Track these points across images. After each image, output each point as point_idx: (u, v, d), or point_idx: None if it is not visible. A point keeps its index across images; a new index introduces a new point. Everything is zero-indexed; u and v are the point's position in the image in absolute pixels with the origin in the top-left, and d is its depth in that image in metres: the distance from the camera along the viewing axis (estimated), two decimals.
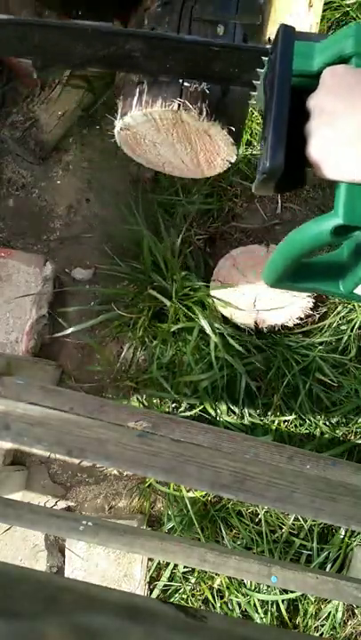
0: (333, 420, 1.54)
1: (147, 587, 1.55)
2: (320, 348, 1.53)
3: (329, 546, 1.49)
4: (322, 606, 1.49)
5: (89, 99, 1.70)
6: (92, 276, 1.69)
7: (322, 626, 1.49)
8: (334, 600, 1.47)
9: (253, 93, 0.70)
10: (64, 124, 1.69)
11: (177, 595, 1.53)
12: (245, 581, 1.49)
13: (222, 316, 1.54)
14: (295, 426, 1.54)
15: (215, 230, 1.65)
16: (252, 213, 1.66)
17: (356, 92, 0.55)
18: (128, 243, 1.63)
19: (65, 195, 1.73)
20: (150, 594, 1.55)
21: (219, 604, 1.51)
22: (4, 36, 1.04)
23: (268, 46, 0.69)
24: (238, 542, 1.51)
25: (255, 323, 1.52)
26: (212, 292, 1.53)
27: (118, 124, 1.28)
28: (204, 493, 1.52)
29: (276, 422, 1.54)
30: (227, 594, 1.51)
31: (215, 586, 1.52)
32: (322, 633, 1.48)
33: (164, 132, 1.28)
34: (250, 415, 1.53)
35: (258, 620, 1.47)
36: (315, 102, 0.58)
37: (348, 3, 1.71)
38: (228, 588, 1.50)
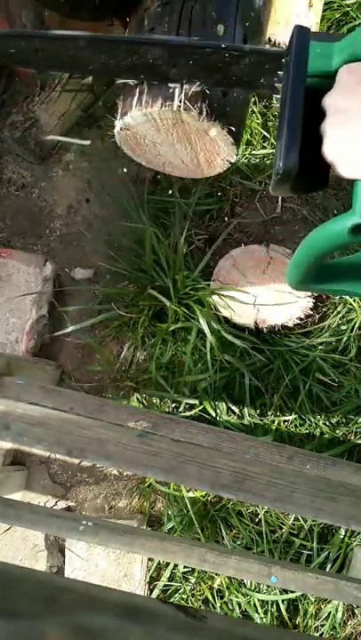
0: (333, 420, 1.54)
1: (147, 587, 1.55)
2: (320, 347, 1.53)
3: (329, 546, 1.49)
4: (322, 606, 1.49)
5: (89, 99, 1.70)
6: (92, 275, 1.69)
7: (322, 626, 1.49)
8: (334, 600, 1.47)
9: (276, 96, 0.70)
10: (64, 124, 1.69)
11: (177, 595, 1.53)
12: (245, 581, 1.49)
13: (222, 316, 1.54)
14: (295, 426, 1.54)
15: (215, 230, 1.65)
16: (252, 213, 1.66)
17: None
18: (129, 242, 1.63)
19: (65, 195, 1.73)
20: (150, 594, 1.55)
21: (219, 604, 1.51)
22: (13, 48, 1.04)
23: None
24: (238, 542, 1.51)
25: (255, 323, 1.52)
26: (212, 293, 1.53)
27: (118, 123, 1.28)
28: (204, 493, 1.52)
29: (276, 422, 1.54)
30: (227, 594, 1.51)
31: (215, 586, 1.52)
32: (322, 633, 1.48)
33: (164, 132, 1.28)
34: (250, 415, 1.53)
35: (258, 620, 1.47)
36: (330, 101, 0.58)
37: (348, 3, 1.71)
38: (228, 588, 1.50)
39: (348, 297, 1.56)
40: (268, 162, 1.65)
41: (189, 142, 1.31)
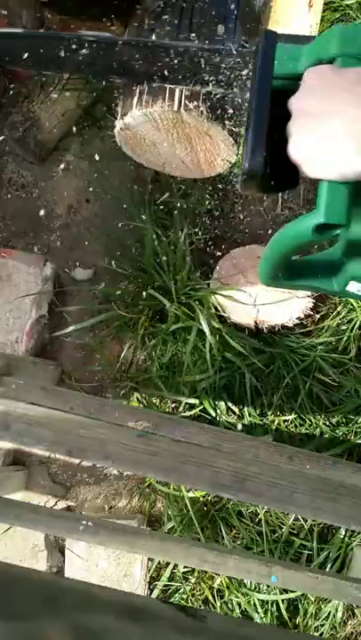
0: (333, 420, 1.54)
1: (147, 587, 1.55)
2: (320, 347, 1.53)
3: (329, 546, 1.49)
4: (322, 606, 1.49)
5: (89, 99, 1.70)
6: (92, 275, 1.69)
7: (322, 626, 1.49)
8: (334, 600, 1.47)
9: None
10: (64, 124, 1.69)
11: (177, 595, 1.53)
12: (245, 581, 1.49)
13: (222, 316, 1.54)
14: (295, 426, 1.54)
15: (215, 230, 1.65)
16: (252, 213, 1.66)
17: (332, 92, 0.55)
18: (129, 242, 1.63)
19: (65, 195, 1.73)
20: (150, 594, 1.55)
21: (219, 604, 1.51)
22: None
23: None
24: (238, 542, 1.51)
25: (255, 323, 1.52)
26: (212, 293, 1.53)
27: (118, 123, 1.28)
28: (204, 493, 1.52)
29: (276, 422, 1.54)
30: (227, 594, 1.51)
31: (215, 586, 1.52)
32: (322, 633, 1.48)
33: (165, 132, 1.28)
34: (250, 415, 1.53)
35: (258, 620, 1.47)
36: (295, 102, 0.59)
37: (348, 3, 1.71)
38: (228, 587, 1.50)
39: (349, 298, 1.56)
40: None
41: (190, 142, 1.31)
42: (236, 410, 1.54)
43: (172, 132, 1.28)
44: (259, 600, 1.48)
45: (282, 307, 1.52)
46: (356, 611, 1.51)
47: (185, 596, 1.53)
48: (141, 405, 1.58)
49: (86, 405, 1.17)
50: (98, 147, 1.73)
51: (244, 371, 1.51)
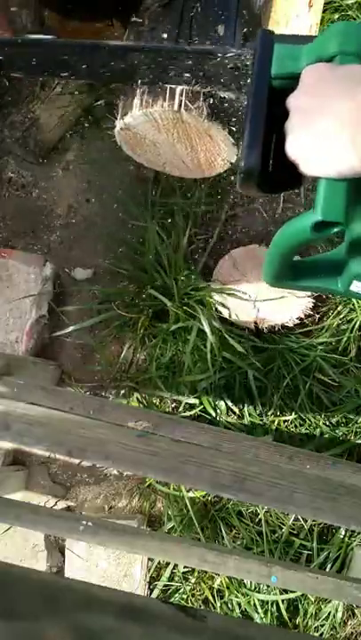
0: (333, 420, 1.54)
1: (147, 587, 1.55)
2: (320, 347, 1.53)
3: (329, 546, 1.49)
4: (322, 606, 1.49)
5: (89, 99, 1.70)
6: (92, 275, 1.69)
7: (322, 626, 1.48)
8: (334, 600, 1.47)
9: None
10: (64, 124, 1.69)
11: (177, 595, 1.53)
12: (245, 581, 1.49)
13: (222, 316, 1.54)
14: (295, 426, 1.54)
15: (215, 230, 1.65)
16: (252, 213, 1.66)
17: (328, 89, 0.55)
18: (129, 242, 1.63)
19: (65, 195, 1.73)
20: (150, 594, 1.55)
21: (219, 604, 1.51)
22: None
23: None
24: (238, 542, 1.51)
25: (255, 322, 1.52)
26: (213, 292, 1.53)
27: (119, 123, 1.28)
28: (204, 493, 1.52)
29: (276, 422, 1.53)
30: (227, 594, 1.51)
31: (215, 586, 1.52)
32: (322, 633, 1.48)
33: (165, 132, 1.28)
34: (250, 415, 1.53)
35: (258, 620, 1.47)
36: (292, 101, 0.59)
37: (348, 3, 1.71)
38: (228, 587, 1.50)
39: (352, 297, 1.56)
40: None
41: (190, 142, 1.31)
42: (236, 410, 1.54)
43: (172, 132, 1.28)
44: (259, 600, 1.48)
45: (282, 306, 1.52)
46: (356, 611, 1.51)
47: (185, 596, 1.53)
48: (141, 405, 1.58)
49: (86, 405, 1.17)
50: (98, 147, 1.73)
51: (245, 370, 1.51)
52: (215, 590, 1.52)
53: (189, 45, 1.12)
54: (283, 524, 1.51)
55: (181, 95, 1.16)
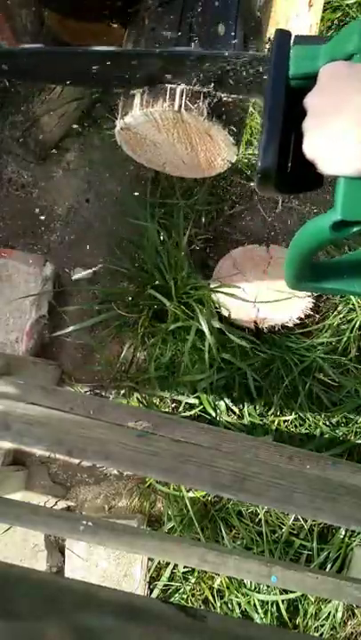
0: (333, 420, 1.54)
1: (147, 587, 1.55)
2: (320, 348, 1.53)
3: (329, 546, 1.49)
4: (322, 606, 1.49)
5: (89, 99, 1.70)
6: (92, 275, 1.69)
7: (322, 626, 1.48)
8: (334, 600, 1.47)
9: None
10: (64, 124, 1.69)
11: (177, 595, 1.53)
12: (245, 581, 1.49)
13: (222, 315, 1.54)
14: (295, 426, 1.54)
15: (215, 230, 1.65)
16: (252, 213, 1.66)
17: (346, 87, 0.55)
18: (129, 242, 1.63)
19: (65, 195, 1.73)
20: (150, 594, 1.55)
21: (219, 604, 1.51)
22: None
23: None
24: (238, 542, 1.51)
25: (255, 322, 1.52)
26: (212, 293, 1.53)
27: (119, 123, 1.28)
28: (204, 493, 1.51)
29: (276, 422, 1.53)
30: (227, 594, 1.51)
31: (215, 586, 1.52)
32: (322, 633, 1.48)
33: (165, 132, 1.28)
34: (250, 415, 1.53)
35: (258, 620, 1.47)
36: (309, 100, 0.59)
37: (348, 3, 1.71)
38: (228, 588, 1.50)
39: (351, 297, 1.56)
40: None
41: (190, 142, 1.31)
42: (236, 410, 1.54)
43: (172, 132, 1.28)
44: (259, 600, 1.48)
45: (282, 306, 1.52)
46: (356, 611, 1.51)
47: (185, 596, 1.53)
48: (141, 405, 1.58)
49: (86, 405, 1.17)
50: (98, 147, 1.73)
51: (245, 370, 1.51)
52: (215, 590, 1.52)
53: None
54: (283, 524, 1.51)
55: (182, 95, 1.16)
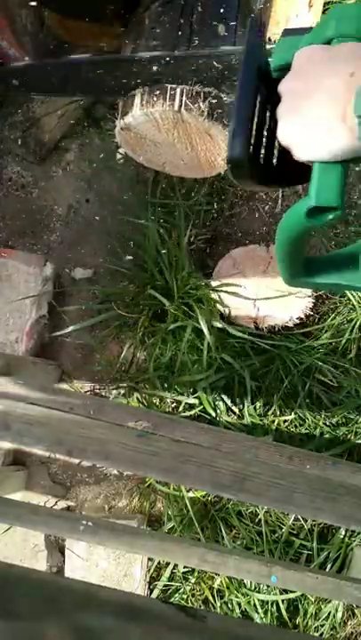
0: (333, 420, 1.54)
1: (147, 587, 1.55)
2: (320, 348, 1.53)
3: (329, 546, 1.49)
4: (322, 606, 1.49)
5: (89, 98, 1.70)
6: (91, 275, 1.69)
7: (322, 626, 1.48)
8: (334, 600, 1.47)
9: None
10: (64, 123, 1.69)
11: (177, 595, 1.53)
12: (245, 581, 1.49)
13: (222, 315, 1.54)
14: (295, 426, 1.54)
15: (215, 230, 1.65)
16: (252, 213, 1.66)
17: (319, 69, 0.54)
18: (129, 242, 1.63)
19: (65, 195, 1.73)
20: (150, 594, 1.55)
21: (219, 604, 1.51)
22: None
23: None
24: (238, 542, 1.51)
25: (255, 322, 1.52)
26: (212, 292, 1.53)
27: (119, 123, 1.28)
28: (204, 493, 1.51)
29: (276, 422, 1.53)
30: (227, 594, 1.51)
31: (215, 586, 1.52)
32: (322, 633, 1.48)
33: (165, 132, 1.28)
34: (250, 415, 1.53)
35: (258, 620, 1.47)
36: (283, 86, 0.57)
37: (348, 3, 1.71)
38: (228, 588, 1.50)
39: (351, 297, 1.56)
40: None
41: (190, 142, 1.31)
42: (236, 410, 1.54)
43: (172, 132, 1.28)
44: (259, 600, 1.48)
45: (282, 306, 1.52)
46: (356, 611, 1.51)
47: (185, 596, 1.53)
48: (141, 405, 1.58)
49: (86, 405, 1.17)
50: (98, 146, 1.73)
51: (244, 371, 1.50)
52: (215, 590, 1.52)
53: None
54: (283, 524, 1.51)
55: (182, 95, 1.16)
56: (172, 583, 1.54)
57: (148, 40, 1.19)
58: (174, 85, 1.15)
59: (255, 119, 0.58)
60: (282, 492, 1.09)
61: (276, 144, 0.60)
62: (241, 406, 1.54)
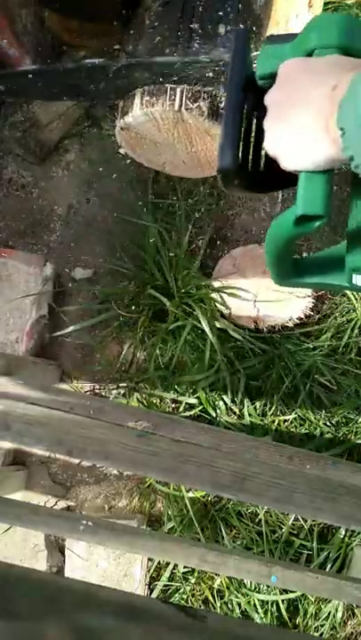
0: (333, 420, 1.54)
1: (147, 587, 1.55)
2: (320, 348, 1.53)
3: (329, 546, 1.49)
4: (322, 606, 1.49)
5: (89, 100, 1.70)
6: (92, 275, 1.69)
7: (322, 626, 1.48)
8: (334, 600, 1.47)
9: None
10: (64, 123, 1.69)
11: (177, 595, 1.53)
12: (245, 581, 1.49)
13: (222, 316, 1.54)
14: (295, 426, 1.54)
15: (215, 230, 1.65)
16: (252, 213, 1.66)
17: (301, 83, 0.55)
18: (129, 242, 1.63)
19: (65, 195, 1.73)
20: (150, 594, 1.54)
21: (219, 604, 1.51)
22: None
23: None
24: (238, 542, 1.51)
25: (255, 322, 1.52)
26: (212, 292, 1.53)
27: (119, 123, 1.28)
28: (204, 493, 1.52)
29: (276, 422, 1.53)
30: (227, 594, 1.51)
31: (215, 586, 1.52)
32: (322, 633, 1.48)
33: (165, 132, 1.28)
34: (250, 415, 1.53)
35: (258, 620, 1.47)
36: (269, 98, 0.59)
37: (348, 3, 1.71)
38: (228, 588, 1.50)
39: (351, 297, 1.56)
40: None
41: (190, 142, 1.31)
42: (236, 410, 1.54)
43: (172, 132, 1.28)
44: (259, 600, 1.48)
45: (282, 306, 1.52)
46: (356, 611, 1.51)
47: (185, 596, 1.53)
48: (141, 405, 1.58)
49: (86, 405, 1.17)
50: (98, 146, 1.73)
51: (244, 371, 1.50)
52: (215, 590, 1.52)
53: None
54: (283, 524, 1.51)
55: (182, 95, 1.16)
56: (172, 583, 1.54)
57: (148, 40, 1.19)
58: (174, 85, 1.15)
59: (243, 128, 0.60)
60: (282, 492, 1.09)
61: (263, 152, 0.61)
62: (241, 406, 1.54)
